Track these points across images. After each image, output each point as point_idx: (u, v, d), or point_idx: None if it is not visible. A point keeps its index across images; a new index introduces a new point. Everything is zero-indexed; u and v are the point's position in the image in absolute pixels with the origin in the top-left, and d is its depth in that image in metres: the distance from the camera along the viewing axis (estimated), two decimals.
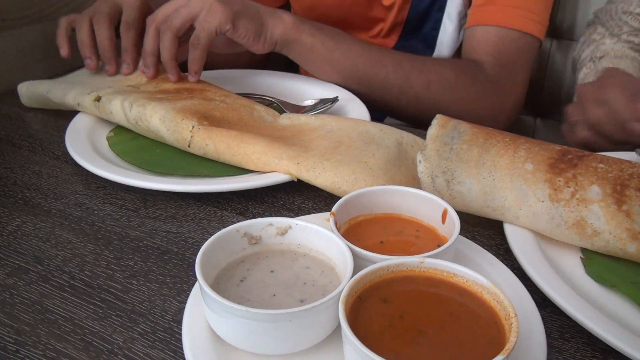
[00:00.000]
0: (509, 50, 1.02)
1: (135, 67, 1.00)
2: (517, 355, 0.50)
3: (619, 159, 0.67)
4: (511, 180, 0.67)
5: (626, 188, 0.63)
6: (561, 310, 0.59)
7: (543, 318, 0.57)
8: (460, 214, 0.71)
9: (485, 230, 0.72)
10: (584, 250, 0.66)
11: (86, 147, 0.85)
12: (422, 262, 0.53)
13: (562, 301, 0.56)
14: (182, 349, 0.51)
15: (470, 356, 0.45)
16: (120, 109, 0.88)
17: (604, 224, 0.62)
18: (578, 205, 0.63)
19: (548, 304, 0.60)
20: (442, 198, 0.65)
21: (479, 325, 0.49)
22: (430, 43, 1.21)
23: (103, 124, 0.93)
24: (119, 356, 0.53)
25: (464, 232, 0.71)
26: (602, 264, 0.64)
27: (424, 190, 0.70)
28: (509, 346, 0.43)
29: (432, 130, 0.72)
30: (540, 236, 0.67)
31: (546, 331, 0.55)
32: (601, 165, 0.65)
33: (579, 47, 1.18)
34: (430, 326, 0.48)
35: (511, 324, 0.46)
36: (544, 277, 0.59)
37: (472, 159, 0.69)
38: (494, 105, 1.05)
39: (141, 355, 0.53)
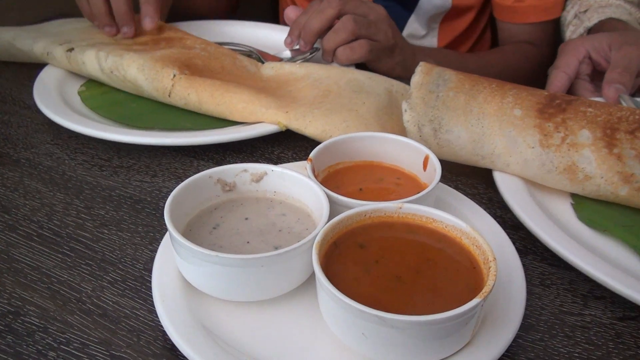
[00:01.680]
0: (548, 32, 1.18)
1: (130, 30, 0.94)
2: (496, 300, 0.49)
3: (606, 103, 0.65)
4: (500, 127, 0.65)
5: (616, 131, 0.61)
6: (542, 257, 0.58)
7: (524, 265, 0.56)
8: (445, 163, 0.69)
9: (468, 179, 0.70)
10: (574, 196, 0.65)
11: (56, 100, 0.81)
12: (400, 208, 0.51)
13: (559, 247, 0.55)
14: (152, 297, 0.49)
15: (448, 301, 0.44)
16: (95, 59, 0.83)
17: (595, 168, 0.61)
18: (569, 150, 0.62)
19: (529, 251, 0.59)
20: (430, 148, 0.63)
21: (457, 270, 0.47)
22: (410, 5, 1.18)
23: (72, 79, 0.89)
24: (87, 304, 0.51)
25: (446, 181, 0.69)
26: (593, 209, 0.63)
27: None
28: (486, 289, 0.42)
29: (416, 78, 0.70)
30: (531, 184, 0.66)
31: (527, 278, 0.54)
32: (590, 109, 0.63)
33: (564, 11, 1.16)
34: (407, 272, 0.47)
35: (489, 268, 0.45)
36: (537, 223, 0.58)
37: (459, 106, 0.66)
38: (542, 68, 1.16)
39: (110, 303, 0.51)
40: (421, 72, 0.70)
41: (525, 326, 0.49)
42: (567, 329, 0.49)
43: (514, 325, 0.46)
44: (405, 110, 0.68)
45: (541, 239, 0.57)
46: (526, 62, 1.16)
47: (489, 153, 0.66)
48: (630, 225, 0.60)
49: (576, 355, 0.47)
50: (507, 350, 0.46)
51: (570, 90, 0.85)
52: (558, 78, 0.83)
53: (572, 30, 1.05)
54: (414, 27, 1.20)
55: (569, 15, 1.10)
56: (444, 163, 0.69)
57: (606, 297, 0.53)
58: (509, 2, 1.13)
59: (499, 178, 0.66)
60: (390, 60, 0.96)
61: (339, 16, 0.90)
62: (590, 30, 1.00)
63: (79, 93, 0.86)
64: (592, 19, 1.00)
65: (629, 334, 0.49)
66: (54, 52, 0.88)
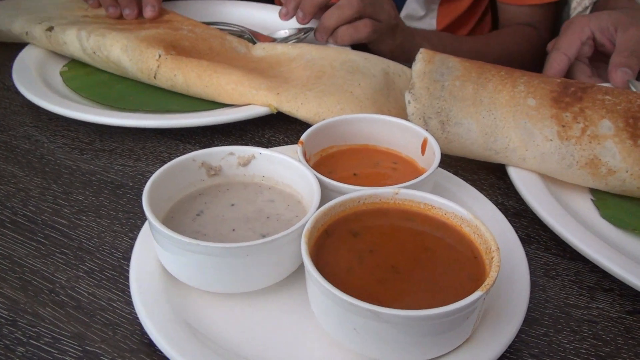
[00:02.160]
0: (548, 14, 1.16)
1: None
2: (498, 291, 0.45)
3: (623, 90, 0.61)
4: (514, 118, 0.60)
5: (639, 121, 0.57)
6: (546, 247, 0.55)
7: (528, 255, 0.52)
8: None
9: (468, 165, 0.67)
10: (594, 191, 0.61)
11: (36, 81, 0.77)
12: (396, 194, 0.48)
13: (584, 246, 0.51)
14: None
15: (448, 293, 0.41)
16: (76, 38, 0.79)
17: (619, 161, 0.57)
18: (590, 142, 0.57)
19: (533, 240, 0.56)
20: (437, 142, 0.57)
21: (457, 261, 0.44)
22: None
23: (55, 59, 0.85)
24: (61, 295, 0.48)
25: (446, 166, 0.66)
26: (617, 206, 0.58)
27: None
28: (488, 281, 0.39)
29: (418, 66, 0.64)
30: (548, 179, 0.61)
31: (531, 269, 0.51)
32: (607, 97, 0.59)
33: None
34: (403, 262, 0.44)
35: (492, 258, 0.41)
36: (558, 220, 0.53)
37: (468, 96, 0.62)
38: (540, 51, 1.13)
39: (85, 294, 0.48)
40: (423, 60, 0.65)
41: (529, 320, 0.46)
42: (574, 324, 0.46)
43: (517, 320, 0.43)
44: (409, 102, 0.63)
45: (569, 242, 0.52)
46: (525, 46, 1.12)
47: (502, 147, 0.61)
48: None
49: (583, 351, 0.44)
50: (510, 347, 0.43)
51: (568, 72, 0.81)
52: (558, 60, 0.79)
53: (577, 1, 1.01)
54: (412, 7, 1.16)
55: None
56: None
57: (614, 290, 0.50)
58: None
59: (515, 174, 0.61)
60: (391, 42, 0.92)
61: None
62: (596, 4, 0.96)
63: (61, 73, 0.82)
64: None
65: (638, 328, 0.46)
66: (33, 32, 0.84)
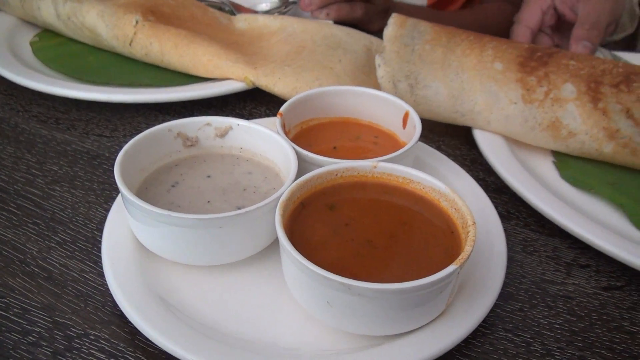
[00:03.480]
0: None
1: None
2: (475, 266, 0.45)
3: (588, 56, 0.62)
4: (481, 81, 0.60)
5: (600, 85, 0.57)
6: (525, 223, 0.55)
7: (506, 231, 0.52)
8: (426, 123, 0.65)
9: (451, 140, 0.66)
10: (555, 153, 0.62)
11: (4, 51, 0.75)
12: (375, 167, 0.47)
13: (543, 205, 0.52)
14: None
15: (423, 267, 0.40)
16: (51, 3, 0.77)
17: (580, 124, 0.57)
18: (552, 105, 0.58)
19: (512, 216, 0.55)
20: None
21: (434, 235, 0.43)
22: None
23: (25, 28, 0.82)
24: (32, 266, 0.47)
25: (429, 141, 0.65)
26: (577, 167, 0.60)
27: None
28: (463, 255, 0.38)
29: (389, 31, 0.64)
30: (512, 141, 0.62)
31: (508, 244, 0.51)
32: (572, 62, 0.60)
33: None
34: (379, 236, 0.43)
35: (468, 232, 0.41)
36: (522, 183, 0.55)
37: (436, 60, 0.62)
38: None
39: (57, 265, 0.47)
40: (394, 24, 0.65)
41: (505, 295, 0.46)
42: (549, 299, 0.46)
43: (492, 295, 0.43)
44: (379, 65, 0.63)
45: (526, 199, 0.54)
46: (503, 22, 1.11)
47: (469, 110, 0.62)
48: (616, 182, 0.57)
49: (557, 326, 0.44)
50: (484, 321, 0.43)
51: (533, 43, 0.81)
52: (521, 34, 0.79)
53: None
54: None
55: None
56: (425, 122, 0.65)
57: (591, 266, 0.50)
58: None
59: (480, 136, 0.62)
60: (382, 22, 0.91)
61: None
62: None
63: (31, 44, 0.80)
64: None
65: (613, 304, 0.46)
66: None
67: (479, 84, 0.60)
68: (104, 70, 0.74)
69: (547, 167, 0.60)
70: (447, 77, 0.61)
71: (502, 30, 1.08)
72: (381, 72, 0.63)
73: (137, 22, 0.73)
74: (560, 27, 0.81)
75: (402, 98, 0.62)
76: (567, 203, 0.53)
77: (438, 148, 0.63)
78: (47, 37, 0.81)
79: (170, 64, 0.73)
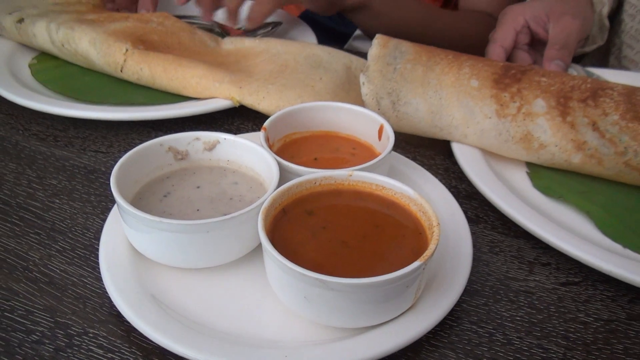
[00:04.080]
0: (502, 4, 1.12)
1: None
2: (443, 265, 0.49)
3: (559, 72, 0.66)
4: (458, 98, 0.65)
5: (569, 100, 0.62)
6: (493, 226, 0.59)
7: (475, 233, 0.57)
8: (403, 135, 0.70)
9: (426, 151, 0.70)
10: (529, 164, 0.66)
11: (5, 73, 0.79)
12: (350, 175, 0.52)
13: (507, 206, 0.56)
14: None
15: (392, 265, 0.44)
16: (45, 31, 0.81)
17: (550, 136, 0.62)
18: (524, 119, 0.62)
19: (481, 220, 0.60)
20: (388, 120, 0.64)
21: (403, 236, 0.48)
22: None
23: (24, 51, 0.87)
24: (34, 272, 0.51)
25: (405, 152, 0.69)
26: (549, 177, 0.64)
27: None
28: (427, 253, 0.43)
29: (373, 51, 0.69)
30: (488, 154, 0.67)
31: (476, 246, 0.55)
32: (544, 78, 0.64)
33: None
34: (353, 237, 0.47)
35: (433, 232, 0.45)
36: (495, 191, 0.59)
37: (417, 78, 0.67)
38: None
39: (58, 271, 0.51)
40: (378, 45, 0.70)
41: (471, 291, 0.50)
42: (512, 294, 0.50)
43: (457, 290, 0.47)
44: (363, 83, 0.68)
45: (493, 202, 0.58)
46: (477, 29, 1.11)
47: (447, 124, 0.66)
48: (584, 191, 0.61)
49: (518, 318, 0.48)
50: (451, 315, 0.47)
51: (509, 60, 0.85)
52: (495, 53, 0.82)
53: None
54: None
55: None
56: (404, 135, 0.70)
57: (552, 264, 0.54)
58: None
59: (457, 149, 0.66)
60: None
61: None
62: None
63: (30, 66, 0.84)
64: None
65: (570, 298, 0.50)
66: (3, 23, 0.85)
67: (456, 100, 0.65)
68: (99, 90, 0.79)
69: (521, 178, 0.64)
70: (426, 94, 0.66)
71: (481, 40, 1.11)
72: (365, 90, 0.68)
73: (126, 50, 0.77)
74: (536, 44, 0.86)
75: (384, 114, 0.67)
76: (536, 209, 0.57)
77: (414, 158, 0.67)
78: (45, 59, 0.86)
79: (162, 87, 0.77)
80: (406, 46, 0.69)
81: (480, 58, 0.68)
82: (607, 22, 0.96)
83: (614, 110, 0.60)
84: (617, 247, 0.54)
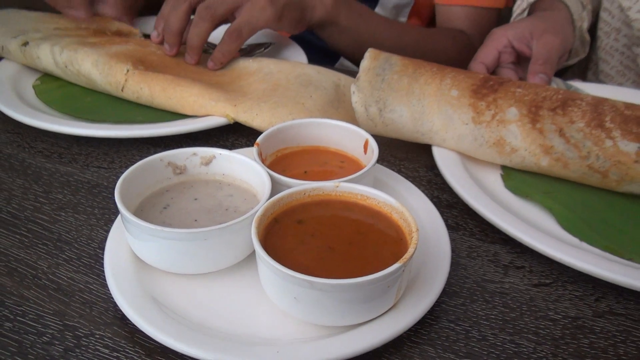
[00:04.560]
0: (479, 21, 1.18)
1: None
2: (424, 269, 0.53)
3: (535, 84, 0.71)
4: (438, 106, 0.70)
5: (540, 109, 0.67)
6: (471, 233, 0.63)
7: (454, 240, 0.61)
8: (389, 148, 0.74)
9: (410, 164, 0.75)
10: (503, 167, 0.71)
11: (10, 94, 0.84)
12: (337, 187, 0.56)
13: (482, 208, 0.61)
14: (105, 272, 0.53)
15: (375, 268, 0.48)
16: (49, 53, 0.86)
17: (520, 141, 0.67)
18: (498, 125, 0.68)
19: (460, 227, 0.64)
20: (376, 126, 0.71)
21: (385, 242, 0.52)
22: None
23: (28, 73, 0.91)
24: (43, 280, 0.54)
25: (390, 165, 0.74)
26: (519, 179, 0.69)
27: (358, 119, 0.74)
28: (406, 256, 0.47)
29: (364, 63, 0.75)
30: (465, 157, 0.72)
31: (455, 251, 0.59)
32: (519, 89, 0.69)
33: None
34: (339, 243, 0.51)
35: (412, 237, 0.49)
36: (467, 190, 0.64)
37: (402, 88, 0.72)
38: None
39: (65, 279, 0.55)
40: (369, 58, 0.75)
41: (450, 293, 0.54)
42: (487, 295, 0.54)
43: (436, 291, 0.51)
44: (354, 92, 0.73)
45: (471, 206, 0.63)
46: (446, 44, 1.13)
47: (428, 130, 0.72)
48: (549, 191, 0.67)
49: (492, 317, 0.52)
50: (431, 314, 0.51)
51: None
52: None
53: (517, 4, 1.10)
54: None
55: None
56: (390, 148, 0.75)
57: (525, 267, 0.58)
58: None
59: (437, 152, 0.72)
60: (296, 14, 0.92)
61: (193, 7, 0.88)
62: (532, 5, 1.03)
63: (34, 87, 0.88)
64: None
65: (541, 298, 0.54)
66: (8, 46, 0.90)
67: (436, 108, 0.70)
68: (100, 109, 0.83)
69: (494, 179, 0.70)
70: (410, 102, 0.71)
71: (447, 55, 1.12)
72: (355, 98, 0.74)
73: (127, 70, 0.82)
74: (522, 61, 0.90)
75: (372, 120, 0.73)
76: (506, 207, 0.63)
77: (399, 171, 0.71)
78: (48, 80, 0.90)
79: (161, 106, 0.81)
80: (395, 59, 0.75)
81: (463, 71, 0.73)
82: (587, 36, 1.01)
83: (580, 118, 0.65)
84: (575, 240, 0.59)
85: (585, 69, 1.26)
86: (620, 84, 1.12)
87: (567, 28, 0.92)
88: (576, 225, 0.61)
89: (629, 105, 0.66)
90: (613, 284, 0.54)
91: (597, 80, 1.18)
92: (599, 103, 0.67)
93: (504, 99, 0.68)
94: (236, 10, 0.88)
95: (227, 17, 0.89)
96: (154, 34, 0.93)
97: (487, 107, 0.68)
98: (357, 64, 1.06)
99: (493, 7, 1.16)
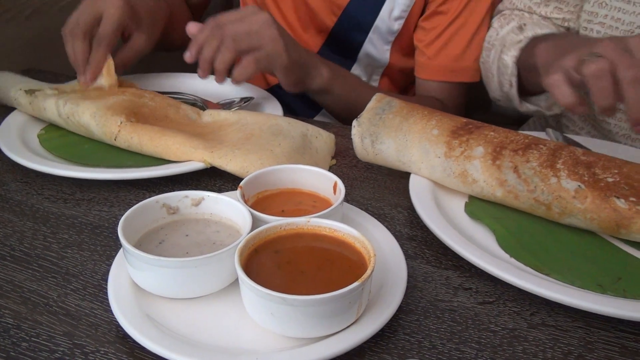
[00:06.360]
0: (454, 93, 1.31)
1: (93, 81, 1.04)
2: (383, 288, 0.62)
3: (510, 130, 0.83)
4: (419, 141, 0.83)
5: (504, 149, 0.78)
6: (427, 261, 0.72)
7: (412, 267, 0.70)
8: (358, 190, 0.85)
9: (377, 203, 0.85)
10: (470, 196, 0.82)
11: (17, 142, 0.94)
12: (308, 221, 0.65)
13: (434, 226, 0.73)
14: (108, 299, 0.61)
15: (338, 288, 0.57)
16: (54, 105, 0.96)
17: (480, 174, 0.78)
18: (464, 160, 0.79)
19: (418, 256, 0.73)
20: (368, 155, 0.85)
21: (350, 267, 0.61)
22: (351, 55, 1.33)
23: (34, 123, 1.02)
24: (54, 307, 0.62)
25: (358, 204, 0.83)
26: (479, 206, 0.80)
27: (355, 148, 0.87)
28: (364, 276, 0.56)
29: (369, 104, 0.89)
30: (437, 185, 0.84)
31: (413, 276, 0.69)
32: (492, 133, 0.81)
33: (489, 40, 1.20)
34: (310, 268, 0.60)
35: (370, 261, 0.58)
36: (427, 212, 0.75)
37: (394, 125, 0.85)
38: None
39: (73, 305, 0.63)
40: (374, 100, 0.90)
41: (406, 310, 0.63)
42: (439, 312, 0.63)
43: (393, 308, 0.60)
44: (354, 126, 0.87)
45: (424, 221, 0.74)
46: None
47: (407, 160, 0.84)
48: (500, 217, 0.77)
49: (442, 330, 0.61)
50: (389, 328, 0.60)
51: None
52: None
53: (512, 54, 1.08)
54: (357, 73, 1.34)
55: (502, 30, 1.15)
56: (359, 190, 0.85)
57: (472, 288, 0.67)
58: (423, 59, 1.28)
59: (412, 179, 0.84)
60: (289, 70, 1.04)
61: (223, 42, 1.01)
62: (533, 40, 1.06)
63: (38, 136, 0.99)
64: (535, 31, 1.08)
65: (485, 314, 0.63)
66: (19, 98, 1.01)
67: (417, 143, 0.82)
68: (97, 155, 0.94)
69: (459, 204, 0.81)
70: (397, 137, 0.84)
71: None
72: (354, 131, 0.87)
73: (121, 122, 0.92)
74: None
75: (366, 149, 0.86)
76: (461, 231, 0.73)
77: (366, 209, 0.81)
78: (52, 130, 1.01)
79: (148, 152, 0.92)
80: (396, 102, 0.88)
81: (451, 115, 0.86)
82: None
83: (536, 159, 0.76)
84: (513, 261, 0.69)
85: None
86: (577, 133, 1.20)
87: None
88: (511, 244, 0.71)
89: (588, 153, 0.77)
90: (546, 299, 0.63)
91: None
92: (558, 148, 0.77)
93: (476, 139, 0.80)
94: (257, 50, 1.01)
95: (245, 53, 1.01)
96: (187, 55, 1.03)
97: (459, 145, 0.80)
98: (343, 122, 1.19)
99: (461, 82, 1.28)
